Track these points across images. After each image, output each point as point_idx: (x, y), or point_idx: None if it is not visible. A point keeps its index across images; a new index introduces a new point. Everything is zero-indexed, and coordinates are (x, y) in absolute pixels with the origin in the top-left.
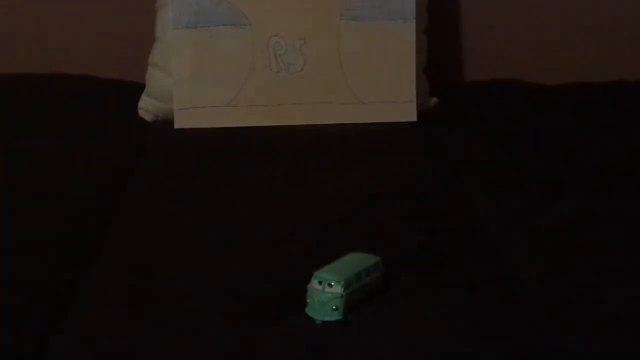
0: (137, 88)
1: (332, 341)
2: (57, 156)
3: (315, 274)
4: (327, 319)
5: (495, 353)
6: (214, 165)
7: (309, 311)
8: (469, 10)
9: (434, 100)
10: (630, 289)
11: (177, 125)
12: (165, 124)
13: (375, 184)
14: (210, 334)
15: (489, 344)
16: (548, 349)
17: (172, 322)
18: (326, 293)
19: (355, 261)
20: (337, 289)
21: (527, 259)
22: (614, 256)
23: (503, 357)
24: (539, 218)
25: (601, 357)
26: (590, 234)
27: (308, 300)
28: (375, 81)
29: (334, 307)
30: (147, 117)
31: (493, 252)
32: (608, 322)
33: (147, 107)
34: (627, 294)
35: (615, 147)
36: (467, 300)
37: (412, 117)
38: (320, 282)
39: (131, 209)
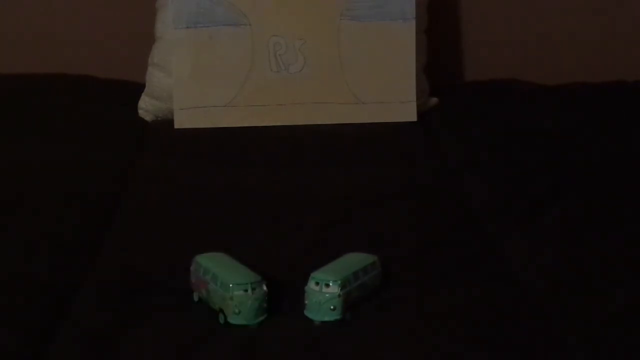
0: (137, 88)
1: (331, 341)
2: (57, 156)
3: (312, 275)
4: (325, 319)
5: (495, 353)
6: (213, 165)
7: (307, 312)
8: (469, 10)
9: (434, 100)
10: (630, 288)
11: (177, 125)
12: (165, 124)
13: (375, 184)
14: (210, 336)
15: (488, 344)
16: (548, 349)
17: (172, 323)
18: (323, 293)
19: (352, 261)
20: (334, 288)
21: (527, 259)
22: (614, 256)
23: (503, 357)
24: (539, 218)
25: (601, 357)
26: (590, 234)
27: (306, 302)
28: (375, 81)
29: (331, 307)
30: (147, 117)
31: (493, 252)
32: (608, 322)
33: (147, 107)
34: (627, 294)
35: (615, 147)
36: (467, 300)
37: (412, 117)
38: (317, 283)
39: (131, 208)
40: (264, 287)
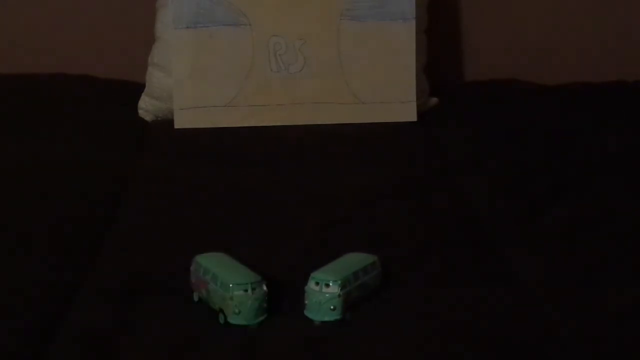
0: (137, 88)
1: (332, 341)
2: (57, 156)
3: (312, 275)
4: (325, 319)
5: (495, 353)
6: (213, 165)
7: (307, 312)
8: (469, 10)
9: (434, 100)
10: (630, 288)
11: (177, 125)
12: (165, 124)
13: (375, 184)
14: (211, 336)
15: (488, 343)
16: (548, 349)
17: (172, 323)
18: (323, 293)
19: (352, 261)
20: (334, 288)
21: (527, 259)
22: (613, 256)
23: (503, 357)
24: (539, 218)
25: (601, 357)
26: (590, 234)
27: (306, 302)
28: (375, 81)
29: (331, 307)
30: (147, 117)
31: (493, 252)
32: (608, 322)
33: (147, 107)
34: (627, 294)
35: (615, 147)
36: (467, 300)
37: (412, 117)
38: (317, 283)
39: (131, 208)
40: (264, 287)
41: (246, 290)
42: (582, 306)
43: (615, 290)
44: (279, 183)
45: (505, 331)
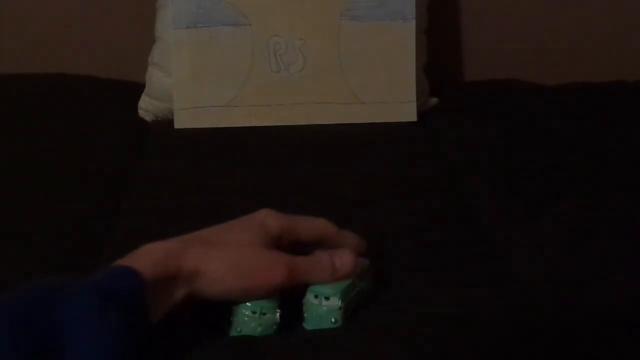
0: (137, 88)
1: (332, 346)
2: (57, 156)
3: (311, 287)
4: None
5: (495, 353)
6: (214, 165)
7: (306, 325)
8: (469, 10)
9: (434, 100)
10: (630, 289)
11: (177, 125)
12: (165, 124)
13: (375, 184)
14: (210, 344)
15: (488, 344)
16: (548, 350)
17: (171, 324)
18: (323, 307)
19: None
20: (335, 301)
21: (527, 259)
22: (614, 256)
23: (503, 357)
24: (539, 218)
25: (602, 357)
26: (590, 235)
27: (305, 315)
28: (375, 81)
29: (332, 320)
30: (147, 117)
31: (493, 252)
32: (609, 322)
33: (147, 107)
34: (627, 295)
35: (615, 147)
36: (467, 301)
37: (412, 117)
38: (316, 296)
39: (131, 209)
40: (277, 316)
41: (254, 313)
42: (583, 306)
43: (616, 290)
44: (279, 183)
45: (505, 331)
